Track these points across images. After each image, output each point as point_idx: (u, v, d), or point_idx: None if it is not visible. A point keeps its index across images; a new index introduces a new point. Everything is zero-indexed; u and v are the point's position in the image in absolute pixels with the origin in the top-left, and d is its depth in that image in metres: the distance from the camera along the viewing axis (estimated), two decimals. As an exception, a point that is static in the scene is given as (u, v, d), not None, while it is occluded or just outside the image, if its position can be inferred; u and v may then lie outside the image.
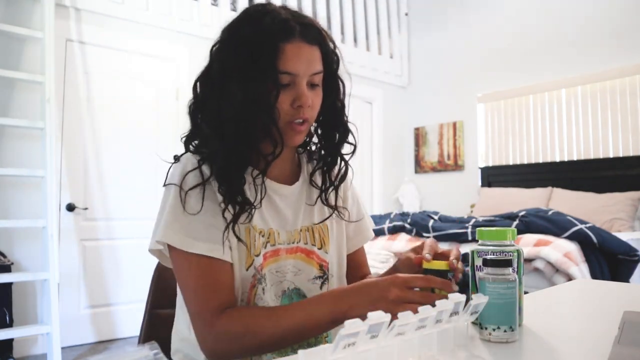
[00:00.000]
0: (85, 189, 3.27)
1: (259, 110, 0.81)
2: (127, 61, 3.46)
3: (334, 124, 0.93)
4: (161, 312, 1.07)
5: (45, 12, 2.87)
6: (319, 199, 0.95)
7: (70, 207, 3.17)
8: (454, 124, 4.99)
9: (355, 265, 1.04)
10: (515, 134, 4.55)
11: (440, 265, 0.79)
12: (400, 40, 5.40)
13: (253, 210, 0.85)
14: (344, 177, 0.96)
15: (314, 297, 0.81)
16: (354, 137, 0.94)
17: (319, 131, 0.95)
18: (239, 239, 0.83)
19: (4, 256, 2.84)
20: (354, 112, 5.34)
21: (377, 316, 0.51)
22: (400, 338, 0.55)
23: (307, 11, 4.45)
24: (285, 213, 0.91)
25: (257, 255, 0.86)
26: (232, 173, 0.83)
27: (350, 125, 0.94)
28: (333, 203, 0.96)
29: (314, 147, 0.99)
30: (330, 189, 0.95)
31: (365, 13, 5.10)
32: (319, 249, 0.93)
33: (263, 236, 0.87)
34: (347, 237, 1.02)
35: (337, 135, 0.93)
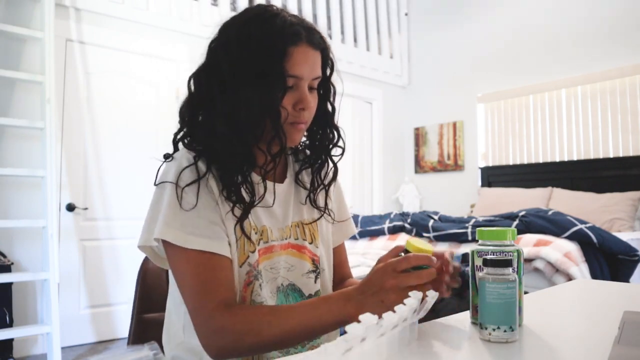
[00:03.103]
0: (85, 189, 3.27)
1: (268, 112, 0.82)
2: (127, 61, 3.46)
3: (325, 127, 0.95)
4: (148, 316, 1.06)
5: (45, 12, 2.87)
6: (307, 199, 0.96)
7: (70, 207, 3.17)
8: (454, 124, 4.99)
9: (335, 263, 1.04)
10: (515, 134, 4.55)
11: (425, 250, 0.77)
12: (400, 40, 5.40)
13: (256, 203, 0.86)
14: (334, 178, 0.99)
15: (320, 298, 0.79)
16: (343, 140, 0.97)
17: (308, 133, 0.96)
18: (245, 234, 0.83)
19: (4, 256, 2.84)
20: (353, 112, 5.31)
21: (369, 318, 0.51)
22: (381, 338, 0.56)
23: (307, 11, 4.46)
24: (276, 210, 0.92)
25: (253, 252, 0.86)
26: (239, 172, 0.84)
27: (340, 129, 0.97)
28: (321, 203, 0.98)
29: (299, 148, 1.00)
30: (319, 190, 0.97)
31: (365, 13, 5.10)
32: (310, 243, 0.95)
33: (257, 233, 0.88)
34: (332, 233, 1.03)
35: (329, 137, 0.95)
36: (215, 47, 0.86)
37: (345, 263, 1.09)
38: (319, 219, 0.97)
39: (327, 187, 0.98)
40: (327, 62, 0.90)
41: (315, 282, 0.95)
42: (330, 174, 0.98)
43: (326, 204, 0.98)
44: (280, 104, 0.82)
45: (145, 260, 1.10)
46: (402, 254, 0.78)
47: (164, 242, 0.81)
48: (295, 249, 0.92)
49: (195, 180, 0.82)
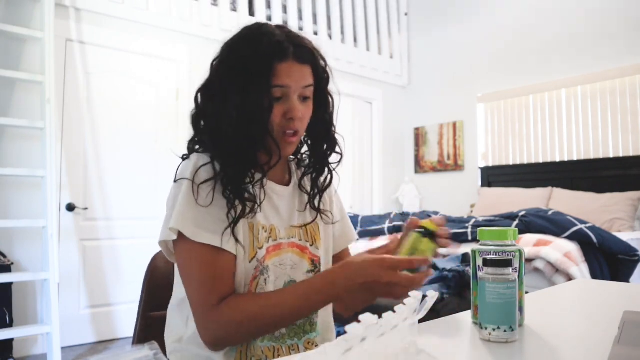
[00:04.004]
0: (85, 189, 3.27)
1: (254, 124, 0.87)
2: (127, 61, 3.46)
3: (322, 136, 0.99)
4: (155, 314, 1.07)
5: (45, 12, 2.87)
6: (308, 203, 1.02)
7: (70, 207, 3.17)
8: (454, 124, 4.99)
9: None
10: (515, 134, 4.55)
11: (432, 226, 0.85)
12: (400, 40, 5.40)
13: (257, 207, 0.90)
14: (329, 184, 1.04)
15: (307, 281, 0.85)
16: (340, 148, 1.01)
17: (309, 141, 1.01)
18: (236, 240, 0.87)
19: (4, 256, 2.84)
20: (353, 112, 5.33)
21: (370, 319, 0.51)
22: (381, 337, 0.55)
23: (307, 11, 4.47)
24: (283, 211, 0.98)
25: (261, 248, 0.90)
26: (235, 176, 0.88)
27: (338, 137, 1.01)
28: (319, 207, 1.03)
29: (304, 156, 1.05)
30: (317, 194, 1.02)
31: (365, 13, 5.10)
32: (311, 245, 0.99)
33: (266, 231, 0.92)
34: (334, 237, 1.08)
35: (325, 145, 1.00)
36: (213, 65, 0.93)
37: None
38: (314, 220, 1.02)
39: (321, 192, 1.03)
40: (320, 73, 0.94)
41: None
42: (328, 180, 1.04)
43: (319, 207, 1.02)
44: (270, 115, 0.87)
45: (154, 258, 1.11)
46: (418, 230, 0.85)
47: (178, 235, 0.86)
48: (298, 248, 0.97)
49: (211, 178, 0.87)
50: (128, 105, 3.46)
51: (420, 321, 0.73)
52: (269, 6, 4.27)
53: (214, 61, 0.93)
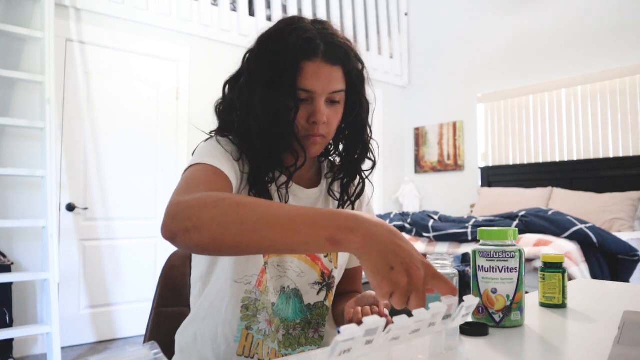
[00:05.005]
0: (85, 189, 3.27)
1: (278, 124, 0.83)
2: (127, 61, 3.46)
3: (354, 141, 0.94)
4: (167, 310, 1.07)
5: (45, 12, 2.87)
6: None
7: (70, 207, 3.17)
8: (454, 124, 4.99)
9: (350, 277, 1.04)
10: (515, 134, 4.55)
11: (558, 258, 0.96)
12: (400, 40, 5.40)
13: None
14: (360, 193, 0.98)
15: (308, 212, 0.59)
16: (373, 155, 0.96)
17: (341, 145, 0.97)
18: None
19: (4, 256, 2.84)
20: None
21: (373, 321, 0.50)
22: (394, 342, 0.54)
23: (307, 11, 4.46)
24: None
25: None
26: (259, 175, 0.86)
27: (372, 142, 0.96)
28: None
29: (337, 159, 1.00)
30: (347, 204, 0.97)
31: (365, 13, 5.10)
32: (325, 257, 0.94)
33: None
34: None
35: (357, 151, 0.94)
36: (245, 57, 0.89)
37: (359, 279, 1.07)
38: None
39: (353, 201, 0.97)
40: (353, 75, 0.88)
41: (318, 294, 0.94)
42: (359, 189, 0.98)
43: None
44: (295, 117, 0.83)
45: (170, 257, 1.11)
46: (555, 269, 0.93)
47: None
48: (310, 257, 0.92)
49: (235, 158, 0.84)
50: (128, 105, 3.47)
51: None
52: (269, 6, 4.27)
53: (247, 53, 0.89)
